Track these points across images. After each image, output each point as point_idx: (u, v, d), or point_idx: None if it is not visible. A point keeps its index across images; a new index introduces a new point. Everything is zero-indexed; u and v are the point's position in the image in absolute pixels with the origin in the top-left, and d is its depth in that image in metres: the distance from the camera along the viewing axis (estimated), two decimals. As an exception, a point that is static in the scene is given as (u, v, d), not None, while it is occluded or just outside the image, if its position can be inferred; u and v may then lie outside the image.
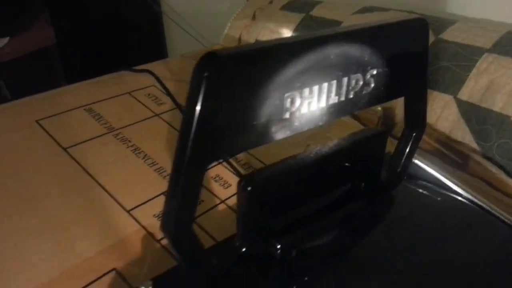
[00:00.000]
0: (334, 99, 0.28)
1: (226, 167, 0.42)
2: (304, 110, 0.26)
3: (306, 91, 0.26)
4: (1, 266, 0.31)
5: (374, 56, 0.29)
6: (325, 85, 0.27)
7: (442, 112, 0.54)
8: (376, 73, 0.29)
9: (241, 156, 0.44)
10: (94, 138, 0.43)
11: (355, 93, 0.29)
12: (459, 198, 0.38)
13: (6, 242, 0.33)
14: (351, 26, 0.29)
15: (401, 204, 0.37)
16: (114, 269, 0.32)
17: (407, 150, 0.36)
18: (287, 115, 0.26)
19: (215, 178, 0.41)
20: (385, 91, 0.31)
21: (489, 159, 0.49)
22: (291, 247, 0.30)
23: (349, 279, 0.30)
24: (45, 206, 0.36)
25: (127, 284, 0.31)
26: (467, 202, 0.37)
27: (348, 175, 0.32)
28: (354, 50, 0.28)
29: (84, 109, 0.47)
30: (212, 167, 0.42)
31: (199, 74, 0.21)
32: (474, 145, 0.51)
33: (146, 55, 0.66)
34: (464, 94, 0.53)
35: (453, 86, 0.54)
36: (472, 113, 0.52)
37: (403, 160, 0.36)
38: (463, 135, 0.52)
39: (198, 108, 0.21)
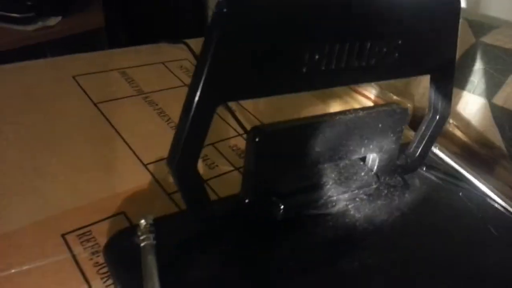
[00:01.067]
0: (354, 62, 0.28)
1: (245, 139, 0.43)
2: (322, 67, 0.27)
3: (326, 47, 0.26)
4: (15, 196, 0.33)
5: (400, 25, 0.29)
6: (346, 45, 0.27)
7: (474, 116, 0.53)
8: (401, 43, 0.29)
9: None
10: (123, 97, 0.45)
11: (377, 60, 0.29)
12: (477, 192, 0.37)
13: (24, 176, 0.35)
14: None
15: (413, 190, 0.36)
16: (123, 212, 0.33)
17: (428, 134, 0.35)
18: (304, 69, 0.26)
19: (232, 147, 0.41)
20: (410, 65, 0.31)
21: (518, 165, 0.47)
22: (295, 210, 0.30)
23: (346, 254, 0.29)
24: (67, 149, 0.38)
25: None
26: (485, 197, 0.36)
27: (363, 148, 0.32)
28: (379, 16, 0.28)
29: (119, 72, 0.49)
30: (229, 138, 0.43)
31: (219, 11, 0.22)
32: (504, 151, 0.49)
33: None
34: (499, 99, 0.51)
35: (488, 90, 0.52)
36: (506, 119, 0.50)
37: (422, 145, 0.35)
38: (494, 140, 0.50)
39: (213, 46, 0.22)
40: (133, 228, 0.27)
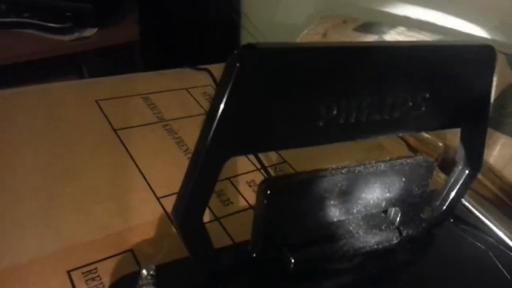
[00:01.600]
0: (376, 115, 0.26)
1: (263, 174, 0.41)
2: (341, 121, 0.25)
3: (345, 101, 0.25)
4: (28, 227, 0.33)
5: (428, 77, 0.27)
6: (367, 99, 0.25)
7: (511, 159, 0.50)
8: (429, 97, 0.27)
9: (282, 166, 0.43)
10: (144, 125, 0.45)
11: (402, 113, 0.27)
12: (509, 252, 0.34)
13: (38, 205, 0.34)
14: (408, 42, 0.27)
15: (438, 245, 0.34)
16: (131, 249, 0.32)
17: (456, 188, 0.33)
18: (321, 123, 0.24)
19: (249, 183, 0.40)
20: (438, 118, 0.29)
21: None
22: (306, 264, 0.28)
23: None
24: (82, 178, 0.37)
25: (139, 266, 0.31)
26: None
27: (384, 202, 0.30)
28: (406, 68, 0.26)
29: (142, 97, 0.49)
30: (247, 172, 0.41)
31: (232, 63, 0.21)
32: (541, 200, 0.46)
33: (220, 61, 0.67)
34: (538, 144, 0.48)
35: (527, 133, 0.49)
36: (545, 166, 0.47)
37: (450, 199, 0.33)
38: (531, 188, 0.47)
39: (225, 97, 0.21)
40: (135, 275, 0.26)
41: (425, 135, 0.53)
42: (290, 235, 0.28)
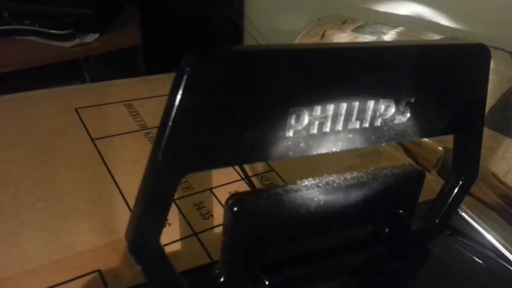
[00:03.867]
0: (354, 123, 0.24)
1: (247, 184, 0.39)
2: (313, 131, 0.23)
3: (318, 109, 0.22)
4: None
5: (413, 80, 0.24)
6: (344, 105, 0.23)
7: (515, 164, 0.46)
8: (415, 101, 0.25)
9: (269, 174, 0.41)
10: (124, 133, 0.43)
11: (384, 121, 0.24)
12: (507, 265, 0.31)
13: (4, 221, 0.33)
14: (389, 42, 0.25)
15: (432, 261, 0.31)
16: (99, 270, 0.30)
17: (451, 198, 0.30)
18: (290, 133, 0.22)
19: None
20: (427, 125, 0.26)
21: None
22: (283, 287, 0.26)
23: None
24: (54, 193, 0.35)
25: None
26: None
27: (368, 216, 0.28)
28: (388, 70, 0.24)
29: (124, 104, 0.47)
30: (224, 184, 0.39)
31: (181, 68, 0.19)
32: (549, 208, 0.43)
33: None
34: (546, 147, 0.45)
35: (533, 136, 0.46)
36: (553, 170, 0.44)
37: (444, 209, 0.30)
38: (538, 194, 0.44)
39: (175, 107, 0.19)
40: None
41: (424, 138, 0.50)
42: (264, 256, 0.26)
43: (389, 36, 0.64)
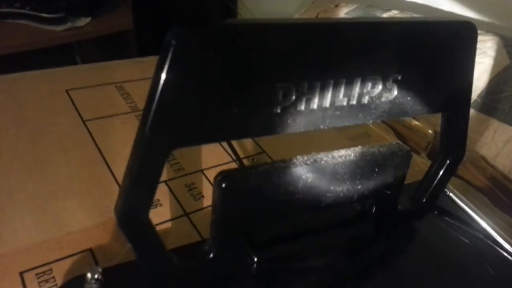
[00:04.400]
0: (341, 101, 0.24)
1: (238, 165, 0.39)
2: (301, 107, 0.23)
3: (305, 85, 0.22)
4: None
5: (401, 57, 0.24)
6: (331, 82, 0.23)
7: (504, 147, 0.47)
8: (402, 79, 0.25)
9: (260, 156, 0.41)
10: (115, 115, 0.43)
11: (371, 99, 0.25)
12: (494, 245, 0.32)
13: (-4, 201, 0.33)
14: (376, 18, 0.25)
15: (419, 240, 0.31)
16: (90, 249, 0.30)
17: (438, 178, 0.30)
18: (277, 110, 0.22)
19: (224, 175, 0.38)
20: (414, 103, 0.26)
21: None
22: (272, 263, 0.26)
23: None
24: (45, 173, 0.35)
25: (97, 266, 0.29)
26: (501, 250, 0.31)
27: (356, 194, 0.28)
28: (375, 47, 0.24)
29: (116, 86, 0.47)
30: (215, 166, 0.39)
31: (167, 41, 0.19)
32: (536, 189, 0.44)
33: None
34: (534, 129, 0.45)
35: (522, 119, 0.47)
36: (541, 153, 0.45)
37: (431, 189, 0.31)
38: (526, 176, 0.45)
39: (162, 80, 0.19)
40: (82, 278, 0.24)
41: (414, 121, 0.50)
42: (253, 233, 0.26)
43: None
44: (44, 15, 1.08)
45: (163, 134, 0.20)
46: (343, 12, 0.69)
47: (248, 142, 0.42)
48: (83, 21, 1.13)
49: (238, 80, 0.21)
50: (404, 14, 0.64)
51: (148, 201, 0.21)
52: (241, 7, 1.21)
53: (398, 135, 0.49)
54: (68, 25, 1.10)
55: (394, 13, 0.64)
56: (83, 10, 1.14)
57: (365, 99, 0.24)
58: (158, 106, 0.19)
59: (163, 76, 0.19)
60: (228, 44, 0.20)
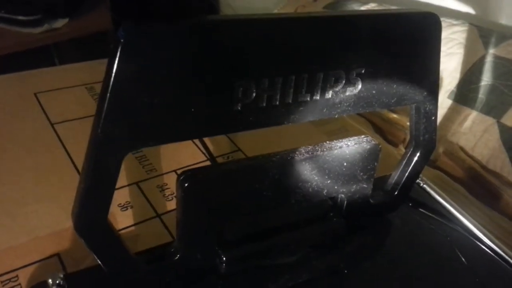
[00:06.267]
0: (304, 96, 0.23)
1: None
2: (262, 104, 0.22)
3: (266, 81, 0.22)
4: None
5: (363, 50, 0.24)
6: (292, 77, 0.22)
7: (481, 137, 0.47)
8: (366, 72, 0.24)
9: (236, 154, 0.41)
10: (85, 117, 0.42)
11: (335, 93, 0.24)
12: (468, 236, 0.31)
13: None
14: (337, 12, 0.25)
15: (393, 232, 0.31)
16: (57, 254, 0.29)
17: (409, 169, 0.30)
18: (238, 107, 0.22)
19: (198, 174, 0.38)
20: (380, 96, 0.26)
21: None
22: (241, 262, 0.26)
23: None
24: (13, 178, 0.35)
25: (65, 271, 0.28)
26: (475, 240, 0.31)
27: (326, 189, 0.28)
28: (337, 41, 0.23)
29: (86, 87, 0.46)
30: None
31: (117, 38, 0.18)
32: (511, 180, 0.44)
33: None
34: (509, 119, 0.46)
35: (497, 109, 0.47)
36: (516, 142, 0.45)
37: (403, 181, 0.31)
38: (502, 166, 0.45)
39: (112, 78, 0.18)
40: (45, 284, 0.23)
41: (392, 114, 0.50)
42: (221, 232, 0.25)
43: (358, 13, 0.63)
44: (20, 17, 1.06)
45: (116, 135, 0.19)
46: (321, 6, 0.69)
47: (223, 140, 0.41)
48: (60, 23, 1.11)
49: (193, 78, 0.20)
50: (383, 7, 0.64)
51: (106, 205, 0.21)
52: (222, 4, 1.20)
53: (376, 128, 0.49)
54: (45, 27, 1.07)
55: (372, 6, 0.64)
56: (61, 11, 1.12)
57: (329, 94, 0.24)
58: (109, 106, 0.19)
59: (113, 74, 0.18)
60: (179, 42, 0.19)
